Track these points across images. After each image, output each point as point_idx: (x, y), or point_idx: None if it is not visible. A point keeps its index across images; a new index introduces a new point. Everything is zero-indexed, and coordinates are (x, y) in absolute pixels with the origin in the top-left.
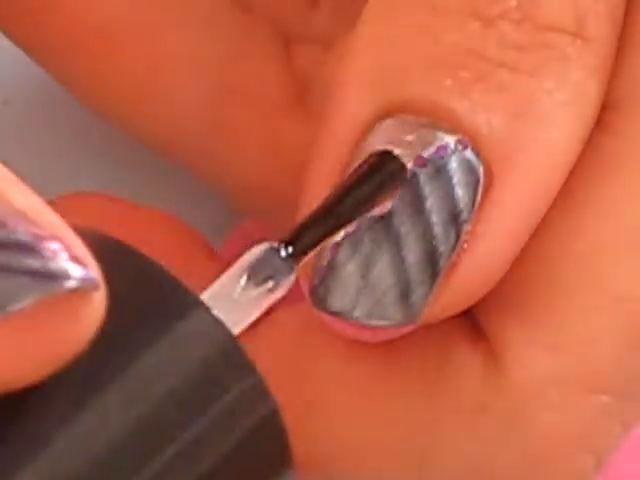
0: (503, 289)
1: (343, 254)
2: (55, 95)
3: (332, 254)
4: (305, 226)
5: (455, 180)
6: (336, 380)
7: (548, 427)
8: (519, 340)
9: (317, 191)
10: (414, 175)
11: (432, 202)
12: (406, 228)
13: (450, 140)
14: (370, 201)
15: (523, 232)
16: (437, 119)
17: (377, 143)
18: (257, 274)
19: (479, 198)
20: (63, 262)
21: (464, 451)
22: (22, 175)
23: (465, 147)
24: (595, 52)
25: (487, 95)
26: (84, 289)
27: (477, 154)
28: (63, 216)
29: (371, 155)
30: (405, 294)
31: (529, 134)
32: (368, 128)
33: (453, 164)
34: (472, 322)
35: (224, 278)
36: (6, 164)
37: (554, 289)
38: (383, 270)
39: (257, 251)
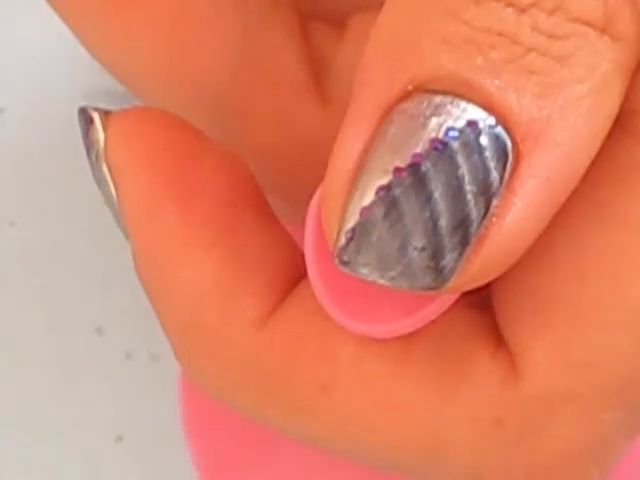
0: (530, 300)
1: (374, 216)
2: (54, 100)
3: (362, 216)
4: None
5: (487, 153)
6: (352, 366)
7: (558, 442)
8: (541, 354)
9: (343, 158)
10: (446, 144)
11: (465, 170)
12: (439, 192)
13: (482, 114)
14: None
15: (546, 211)
16: (468, 95)
17: (411, 109)
18: None
19: (507, 175)
20: None
21: (469, 457)
22: (21, 181)
23: (495, 124)
24: (621, 50)
25: (518, 76)
26: None
27: (506, 131)
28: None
29: None
30: (435, 258)
31: (556, 117)
32: (398, 99)
33: (484, 139)
34: (495, 331)
35: None
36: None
37: (583, 305)
38: (414, 233)
39: None
